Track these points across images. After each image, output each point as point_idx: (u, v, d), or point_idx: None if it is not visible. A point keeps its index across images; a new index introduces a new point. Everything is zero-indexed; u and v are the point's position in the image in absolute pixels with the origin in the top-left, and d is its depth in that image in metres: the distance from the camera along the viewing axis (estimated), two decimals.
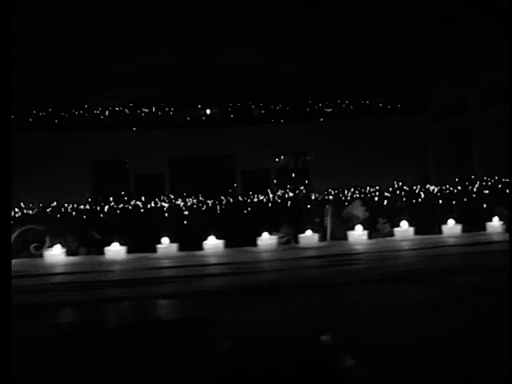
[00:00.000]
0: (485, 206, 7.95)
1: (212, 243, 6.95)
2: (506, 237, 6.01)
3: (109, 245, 6.72)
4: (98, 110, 21.17)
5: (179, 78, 18.37)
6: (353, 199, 8.79)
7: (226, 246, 6.91)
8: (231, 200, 10.46)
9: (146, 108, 21.44)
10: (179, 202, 11.03)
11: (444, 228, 7.27)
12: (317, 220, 7.32)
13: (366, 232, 7.04)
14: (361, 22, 13.40)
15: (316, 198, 10.00)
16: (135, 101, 21.09)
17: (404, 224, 7.17)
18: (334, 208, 7.35)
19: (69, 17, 12.88)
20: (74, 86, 17.75)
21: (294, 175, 22.53)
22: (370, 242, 6.83)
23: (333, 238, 7.08)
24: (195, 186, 16.90)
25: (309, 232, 7.08)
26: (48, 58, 14.70)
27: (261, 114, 22.05)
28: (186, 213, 8.76)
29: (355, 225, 7.06)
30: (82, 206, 9.86)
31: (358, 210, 7.36)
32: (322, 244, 6.86)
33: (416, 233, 7.16)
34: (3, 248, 3.11)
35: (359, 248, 6.40)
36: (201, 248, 6.85)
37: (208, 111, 21.57)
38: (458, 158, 19.31)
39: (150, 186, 19.66)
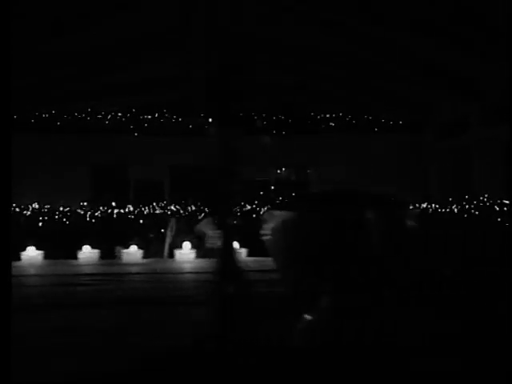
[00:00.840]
0: None
1: (30, 254, 6.76)
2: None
3: None
4: (100, 114, 21.21)
5: (179, 87, 18.42)
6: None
7: (46, 257, 6.73)
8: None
9: (149, 114, 21.47)
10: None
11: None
12: (151, 235, 7.07)
13: (194, 250, 6.80)
14: (360, 35, 13.41)
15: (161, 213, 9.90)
16: (137, 107, 21.14)
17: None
18: (179, 224, 7.06)
19: (69, 24, 12.95)
20: (75, 91, 17.82)
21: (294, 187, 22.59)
22: (195, 261, 6.55)
23: (171, 255, 6.81)
24: (195, 194, 16.93)
25: (133, 247, 6.84)
26: (49, 62, 14.78)
27: (262, 125, 22.03)
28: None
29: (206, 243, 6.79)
30: None
31: (208, 228, 7.01)
32: (142, 261, 6.57)
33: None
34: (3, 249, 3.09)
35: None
36: (18, 259, 6.63)
37: (210, 120, 21.50)
38: (458, 177, 19.32)
39: (149, 192, 19.72)
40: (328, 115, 21.90)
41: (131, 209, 11.45)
